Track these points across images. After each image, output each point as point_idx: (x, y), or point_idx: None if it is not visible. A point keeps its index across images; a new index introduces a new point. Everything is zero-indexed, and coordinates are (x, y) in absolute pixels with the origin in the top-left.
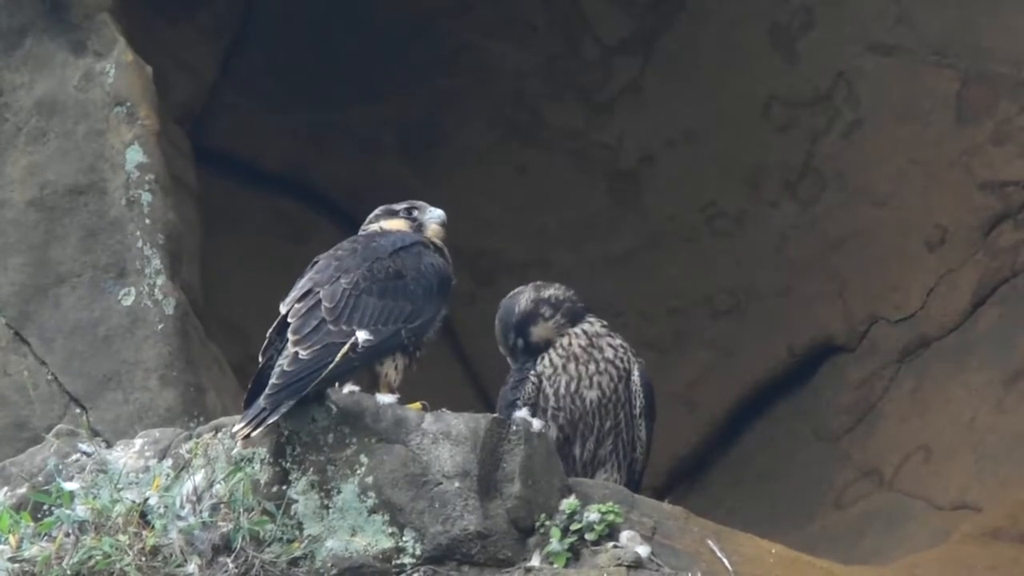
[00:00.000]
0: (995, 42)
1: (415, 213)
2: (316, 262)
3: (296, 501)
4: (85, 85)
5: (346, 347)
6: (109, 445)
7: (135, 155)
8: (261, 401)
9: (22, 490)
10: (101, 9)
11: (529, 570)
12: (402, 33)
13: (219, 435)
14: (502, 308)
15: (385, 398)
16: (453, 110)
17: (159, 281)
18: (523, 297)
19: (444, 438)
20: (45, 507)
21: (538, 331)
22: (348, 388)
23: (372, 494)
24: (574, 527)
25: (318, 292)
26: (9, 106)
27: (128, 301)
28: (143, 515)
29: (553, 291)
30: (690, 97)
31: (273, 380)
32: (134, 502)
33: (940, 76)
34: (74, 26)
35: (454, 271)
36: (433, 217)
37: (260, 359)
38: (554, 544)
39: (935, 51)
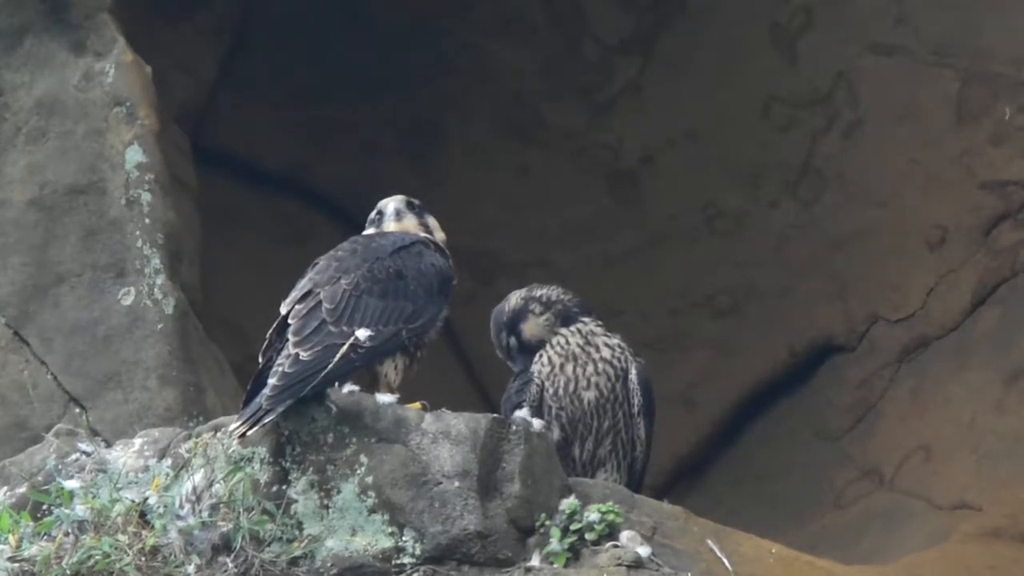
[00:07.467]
0: (995, 42)
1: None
2: (316, 263)
3: (296, 501)
4: (85, 85)
5: (345, 347)
6: (108, 445)
7: (135, 155)
8: (260, 401)
9: (22, 490)
10: (101, 9)
11: (529, 570)
12: (402, 33)
13: (218, 435)
14: (495, 310)
15: (385, 398)
16: (453, 110)
17: (159, 281)
18: (514, 296)
19: (444, 438)
20: (45, 507)
21: (528, 327)
22: (348, 388)
23: (372, 494)
24: (574, 527)
25: (318, 293)
26: (9, 106)
27: (128, 301)
28: (142, 515)
29: (546, 291)
30: (690, 97)
31: (274, 381)
32: (133, 502)
33: (940, 76)
34: (74, 26)
35: (454, 271)
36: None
37: (260, 359)
38: (554, 544)
39: (935, 51)
